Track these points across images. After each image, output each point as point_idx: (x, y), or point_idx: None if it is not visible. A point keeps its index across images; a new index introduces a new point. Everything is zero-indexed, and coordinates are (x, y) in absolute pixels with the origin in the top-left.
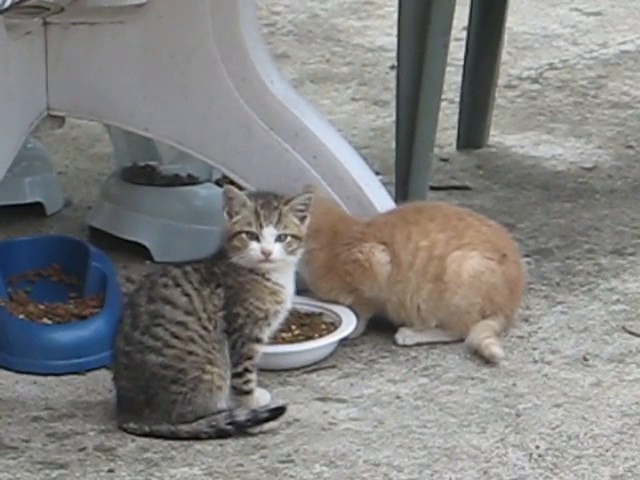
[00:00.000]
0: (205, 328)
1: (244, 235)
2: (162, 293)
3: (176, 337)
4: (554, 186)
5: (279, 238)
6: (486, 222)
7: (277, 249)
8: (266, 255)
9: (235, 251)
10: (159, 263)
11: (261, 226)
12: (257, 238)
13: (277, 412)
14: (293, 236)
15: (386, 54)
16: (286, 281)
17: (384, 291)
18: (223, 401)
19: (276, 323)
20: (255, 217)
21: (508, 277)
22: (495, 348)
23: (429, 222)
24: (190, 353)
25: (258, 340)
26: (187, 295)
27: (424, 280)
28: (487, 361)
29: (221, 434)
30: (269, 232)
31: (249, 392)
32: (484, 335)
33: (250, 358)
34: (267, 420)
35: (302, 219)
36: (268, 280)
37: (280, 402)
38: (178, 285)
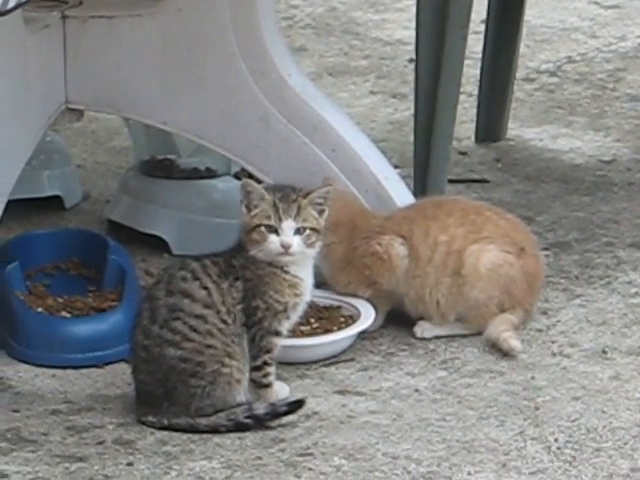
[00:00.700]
0: (224, 321)
1: (263, 228)
2: (181, 286)
3: (195, 330)
4: (572, 179)
5: (298, 231)
6: (504, 216)
7: (296, 242)
8: (285, 248)
9: (254, 244)
10: (177, 256)
11: (280, 219)
12: (276, 231)
13: (296, 405)
14: (312, 229)
15: (404, 47)
16: (305, 274)
17: (402, 284)
18: (242, 394)
19: (295, 316)
20: (274, 210)
21: (526, 271)
22: (513, 341)
23: (447, 217)
24: (209, 346)
25: (277, 333)
26: (206, 288)
27: (443, 275)
28: (505, 354)
29: (240, 427)
30: (288, 225)
31: (268, 385)
32: (502, 328)
33: (269, 351)
34: (286, 414)
35: (321, 212)
36: (287, 273)
37: (299, 396)
38: (197, 278)
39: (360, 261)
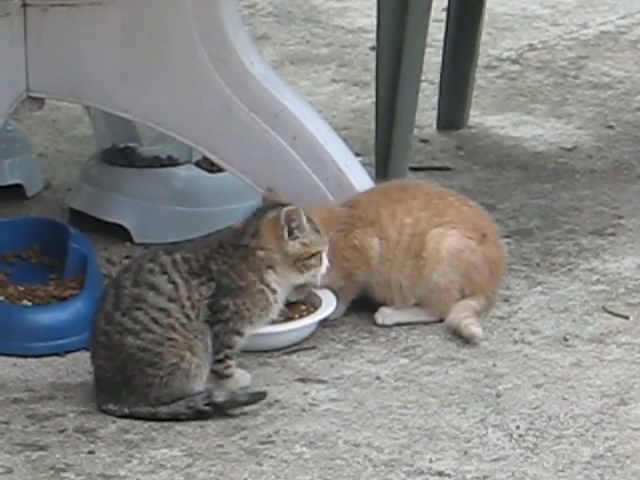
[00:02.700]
0: (187, 316)
1: (322, 254)
2: (148, 279)
3: (156, 323)
4: (534, 167)
5: None
6: (467, 202)
7: None
8: (328, 269)
9: (310, 269)
10: (139, 245)
11: (325, 243)
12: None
13: (257, 397)
14: None
15: (366, 35)
16: (285, 297)
17: (375, 274)
18: (200, 385)
19: (259, 325)
20: (319, 235)
21: (488, 257)
22: (474, 328)
23: (412, 200)
24: (169, 339)
25: (239, 333)
26: (173, 283)
27: (407, 257)
28: (467, 341)
29: (200, 415)
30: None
31: (229, 376)
32: (463, 315)
33: (230, 347)
34: (246, 404)
35: None
36: (274, 293)
37: (260, 383)
38: (165, 272)
39: (340, 255)
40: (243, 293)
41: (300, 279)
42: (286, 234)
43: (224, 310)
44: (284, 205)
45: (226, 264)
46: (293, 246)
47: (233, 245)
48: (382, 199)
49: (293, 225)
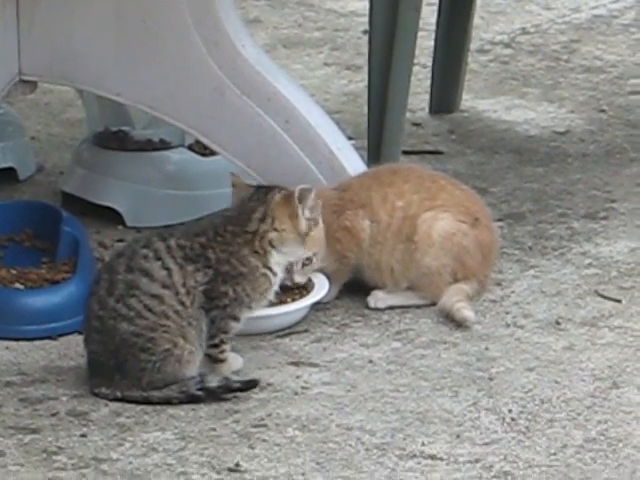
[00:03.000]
0: (182, 303)
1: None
2: (141, 264)
3: (149, 310)
4: (527, 150)
5: None
6: (459, 186)
7: None
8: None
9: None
10: (132, 228)
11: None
12: None
13: (249, 384)
14: None
15: (358, 19)
16: (282, 278)
17: (366, 255)
18: (193, 370)
19: (256, 309)
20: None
21: (481, 241)
22: (466, 311)
23: (404, 183)
24: (163, 326)
25: (236, 319)
26: (167, 269)
27: (398, 241)
28: (459, 325)
29: (192, 399)
30: None
31: (223, 360)
32: (456, 299)
33: (226, 332)
34: (239, 390)
35: None
36: (275, 276)
37: (254, 371)
38: (159, 258)
39: (333, 237)
40: (245, 279)
41: (308, 254)
42: (301, 212)
43: (223, 297)
44: (277, 188)
45: (226, 252)
46: (307, 223)
47: (233, 232)
48: (374, 183)
49: (305, 203)
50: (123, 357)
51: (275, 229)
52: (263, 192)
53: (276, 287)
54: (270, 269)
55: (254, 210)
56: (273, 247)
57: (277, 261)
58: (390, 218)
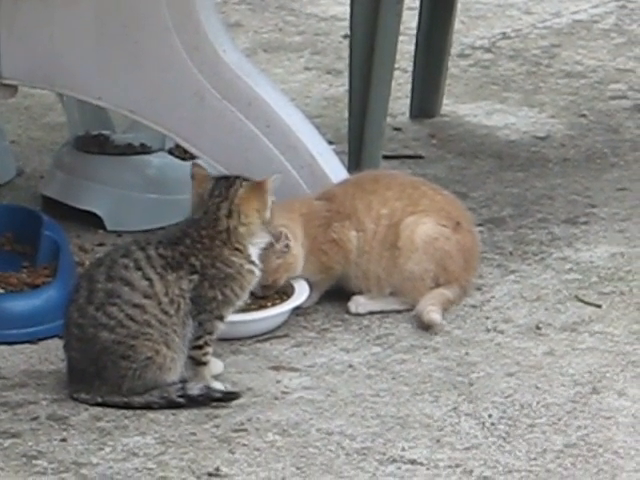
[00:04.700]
0: (165, 312)
1: None
2: (121, 274)
3: (131, 319)
4: (507, 155)
5: None
6: (440, 191)
7: None
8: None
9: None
10: (112, 232)
11: None
12: None
13: (230, 396)
14: None
15: (339, 23)
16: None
17: (353, 266)
18: (174, 376)
19: (238, 306)
20: None
21: (463, 246)
22: (434, 314)
23: (386, 190)
24: (144, 334)
25: (222, 318)
26: (148, 279)
27: (383, 249)
28: (427, 328)
29: (173, 406)
30: None
31: (205, 363)
32: (429, 302)
33: (211, 333)
34: (219, 400)
35: None
36: (257, 266)
37: (234, 375)
38: (139, 268)
39: (319, 249)
40: (232, 280)
41: (268, 238)
42: (270, 202)
43: (211, 302)
44: (238, 180)
45: (209, 257)
46: (270, 211)
47: (209, 236)
48: (357, 191)
49: (271, 192)
50: (103, 364)
51: (243, 223)
52: (224, 185)
53: (258, 278)
54: (253, 262)
55: (219, 207)
56: (245, 240)
57: (255, 252)
58: (376, 226)
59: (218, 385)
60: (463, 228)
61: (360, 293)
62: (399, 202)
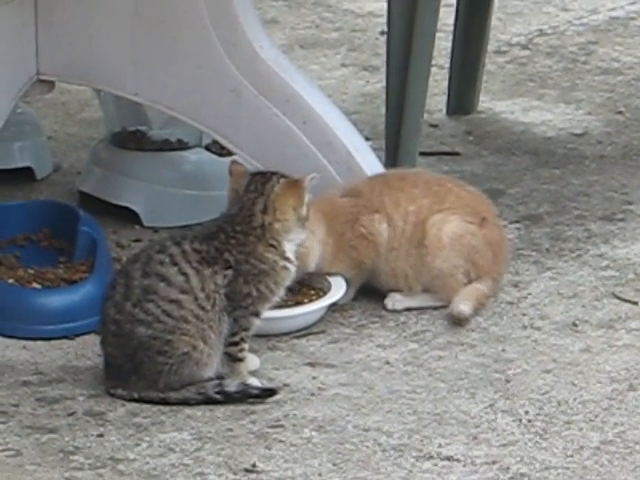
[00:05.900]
0: (202, 307)
1: None
2: (157, 270)
3: (168, 315)
4: (544, 152)
5: None
6: (465, 188)
7: None
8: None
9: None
10: (148, 228)
11: None
12: None
13: (268, 393)
14: None
15: (376, 20)
16: None
17: (383, 261)
18: (211, 372)
19: (276, 299)
20: None
21: (490, 240)
22: (462, 306)
23: (413, 188)
24: (181, 329)
25: (258, 314)
26: (184, 274)
27: (411, 246)
28: (457, 321)
29: (210, 402)
30: None
31: (242, 359)
32: (462, 297)
33: (247, 329)
34: (256, 397)
35: None
36: (292, 263)
37: (270, 372)
38: (175, 264)
39: (348, 245)
40: (267, 276)
41: (304, 235)
42: (307, 200)
43: (246, 298)
44: (275, 176)
45: (243, 252)
46: (306, 207)
47: (244, 232)
48: (384, 188)
49: (308, 189)
50: (140, 360)
51: (278, 220)
52: (260, 181)
53: (294, 274)
54: (288, 259)
55: (254, 202)
56: (280, 237)
57: (290, 249)
58: (404, 224)
59: (255, 381)
60: (489, 223)
61: (392, 291)
62: (426, 199)
